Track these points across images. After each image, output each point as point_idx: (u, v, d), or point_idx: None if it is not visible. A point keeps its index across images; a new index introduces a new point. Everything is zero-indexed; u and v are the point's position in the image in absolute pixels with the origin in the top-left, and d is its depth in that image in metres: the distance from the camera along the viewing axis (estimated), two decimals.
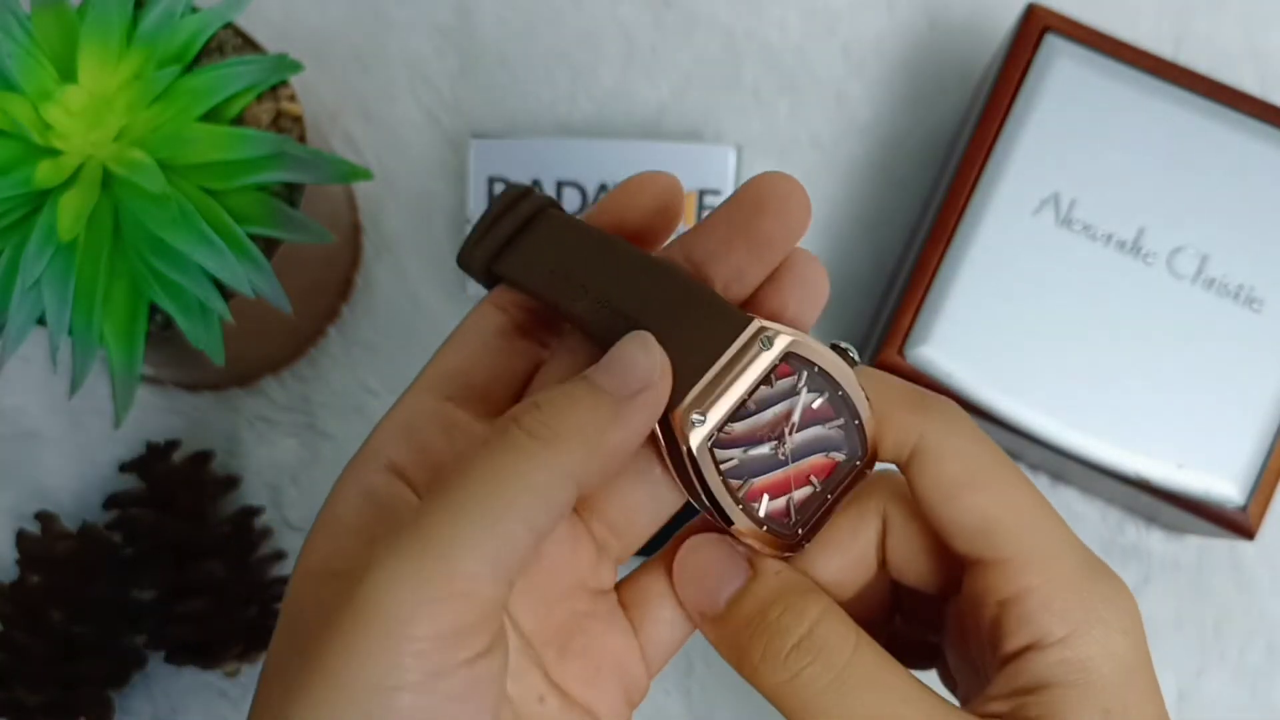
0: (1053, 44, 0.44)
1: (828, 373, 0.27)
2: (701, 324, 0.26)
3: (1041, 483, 0.49)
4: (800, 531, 0.27)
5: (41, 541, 0.46)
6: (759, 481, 0.27)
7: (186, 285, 0.38)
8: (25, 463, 0.50)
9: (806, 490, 0.27)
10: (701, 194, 0.49)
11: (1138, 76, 0.44)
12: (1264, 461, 0.43)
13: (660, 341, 0.25)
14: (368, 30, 0.51)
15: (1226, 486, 0.43)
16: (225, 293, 0.39)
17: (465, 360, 0.28)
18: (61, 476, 0.50)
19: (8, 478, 0.50)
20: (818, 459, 0.27)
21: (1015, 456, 0.49)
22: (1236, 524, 0.43)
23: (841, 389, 0.27)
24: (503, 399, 0.28)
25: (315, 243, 0.40)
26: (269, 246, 0.40)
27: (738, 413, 0.26)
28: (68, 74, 0.39)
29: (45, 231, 0.38)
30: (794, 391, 0.27)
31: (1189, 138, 0.44)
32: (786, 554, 0.28)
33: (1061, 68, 0.44)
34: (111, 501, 0.47)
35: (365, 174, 0.41)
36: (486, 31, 0.51)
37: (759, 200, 0.27)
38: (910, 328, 0.43)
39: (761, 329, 0.26)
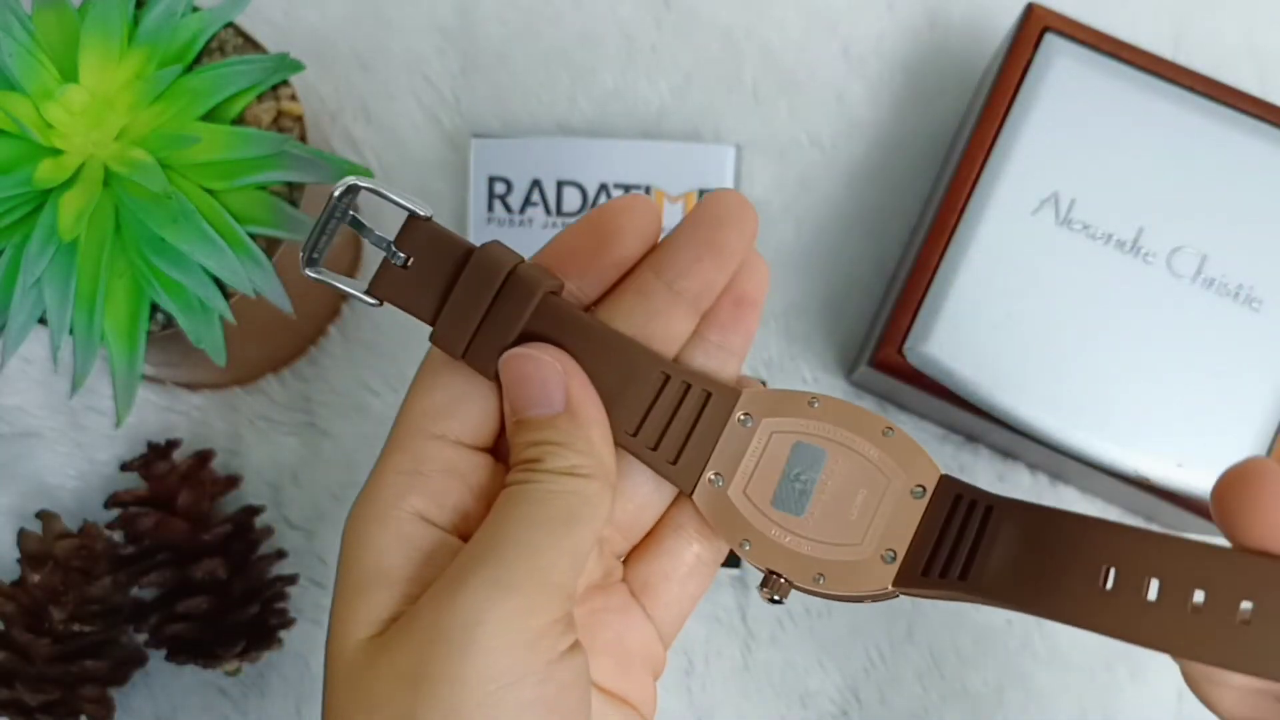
0: (1052, 44, 0.44)
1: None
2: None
3: (1041, 482, 0.49)
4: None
5: (42, 540, 0.46)
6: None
7: (187, 284, 0.38)
8: (26, 462, 0.50)
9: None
10: (702, 194, 0.49)
11: (1138, 76, 0.44)
12: None
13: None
14: (368, 30, 0.51)
15: None
16: (226, 292, 0.39)
17: (448, 397, 0.29)
18: (62, 476, 0.50)
19: (9, 477, 0.50)
20: None
21: (1015, 456, 0.49)
22: None
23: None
24: (493, 428, 0.29)
25: None
26: (270, 246, 0.40)
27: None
28: (69, 73, 0.39)
29: (46, 231, 0.38)
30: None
31: (1189, 137, 0.44)
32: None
33: (1061, 67, 0.44)
34: (112, 501, 0.47)
35: (366, 173, 0.41)
36: (487, 31, 0.52)
37: (718, 218, 0.29)
38: (910, 327, 0.44)
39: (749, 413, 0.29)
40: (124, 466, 0.48)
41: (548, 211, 0.49)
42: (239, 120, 0.41)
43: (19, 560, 0.46)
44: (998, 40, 0.49)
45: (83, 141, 0.38)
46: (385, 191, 0.28)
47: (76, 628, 0.45)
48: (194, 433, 0.50)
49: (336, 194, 0.28)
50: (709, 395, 0.29)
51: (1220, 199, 0.43)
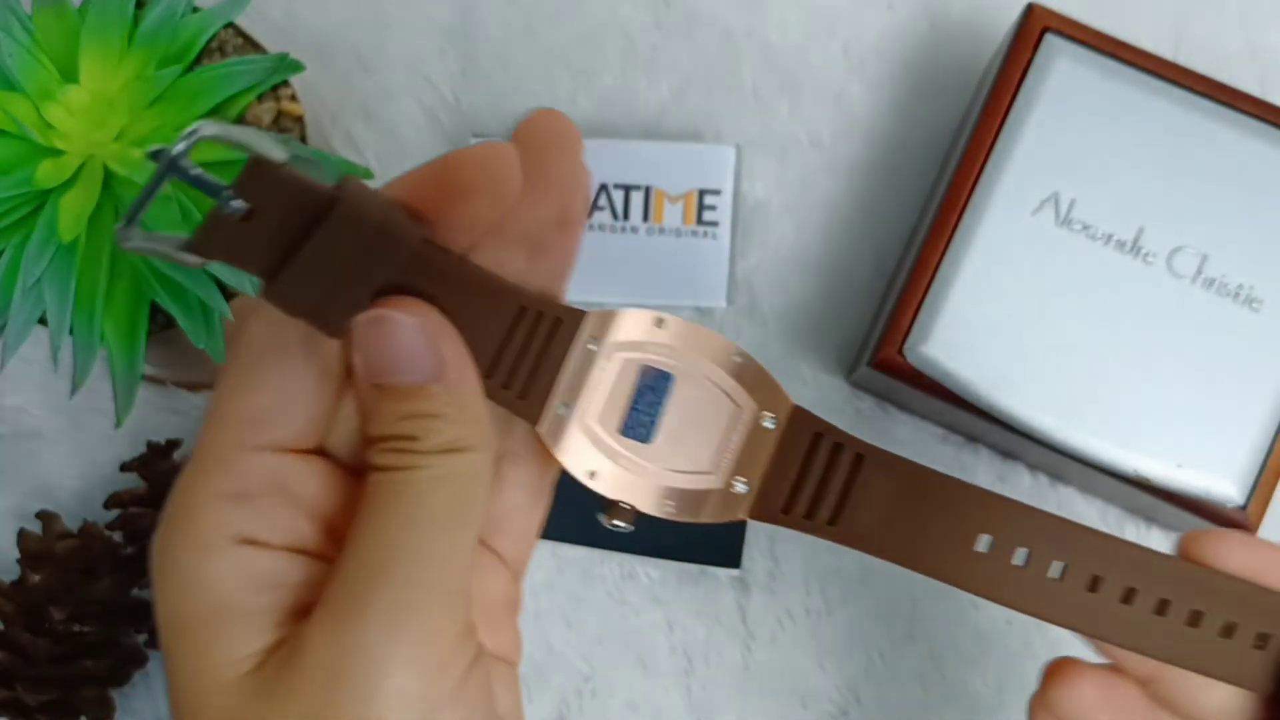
0: (1053, 44, 0.44)
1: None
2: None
3: (1041, 482, 0.49)
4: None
5: (42, 541, 0.46)
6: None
7: (188, 285, 0.38)
8: (26, 462, 0.50)
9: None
10: (701, 194, 0.49)
11: (1138, 76, 0.44)
12: (1264, 461, 0.43)
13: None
14: (368, 30, 0.51)
15: (1226, 486, 0.43)
16: (226, 292, 0.39)
17: (272, 398, 0.25)
18: (62, 476, 0.50)
19: (8, 477, 0.50)
20: None
21: (1015, 456, 0.49)
22: (1236, 523, 0.43)
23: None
24: (324, 421, 0.26)
25: None
26: None
27: None
28: (69, 74, 0.39)
29: (46, 231, 0.38)
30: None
31: (1189, 138, 0.44)
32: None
33: (1061, 68, 0.44)
34: (112, 501, 0.47)
35: (366, 173, 0.41)
36: (487, 31, 0.51)
37: (542, 150, 0.26)
38: (910, 327, 0.44)
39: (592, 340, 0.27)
40: (124, 466, 0.48)
41: None
42: (239, 120, 0.41)
43: (19, 560, 0.46)
44: (998, 40, 0.49)
45: (83, 142, 0.38)
46: (232, 134, 0.23)
47: (76, 628, 0.45)
48: (194, 433, 0.50)
49: (177, 149, 0.23)
50: (558, 322, 0.27)
51: (1220, 199, 0.43)
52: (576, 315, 0.27)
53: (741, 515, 0.27)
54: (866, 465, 0.27)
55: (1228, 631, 0.28)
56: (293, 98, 0.42)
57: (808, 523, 0.27)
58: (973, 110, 0.47)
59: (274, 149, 0.24)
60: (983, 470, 0.49)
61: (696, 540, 0.48)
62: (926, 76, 0.52)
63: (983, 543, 0.27)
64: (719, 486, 0.27)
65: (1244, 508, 0.43)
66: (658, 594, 0.49)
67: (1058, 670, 0.30)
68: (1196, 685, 0.29)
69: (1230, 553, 0.28)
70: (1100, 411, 0.43)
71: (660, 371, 0.27)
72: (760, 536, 0.49)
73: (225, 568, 0.24)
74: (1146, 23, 0.51)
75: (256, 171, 0.24)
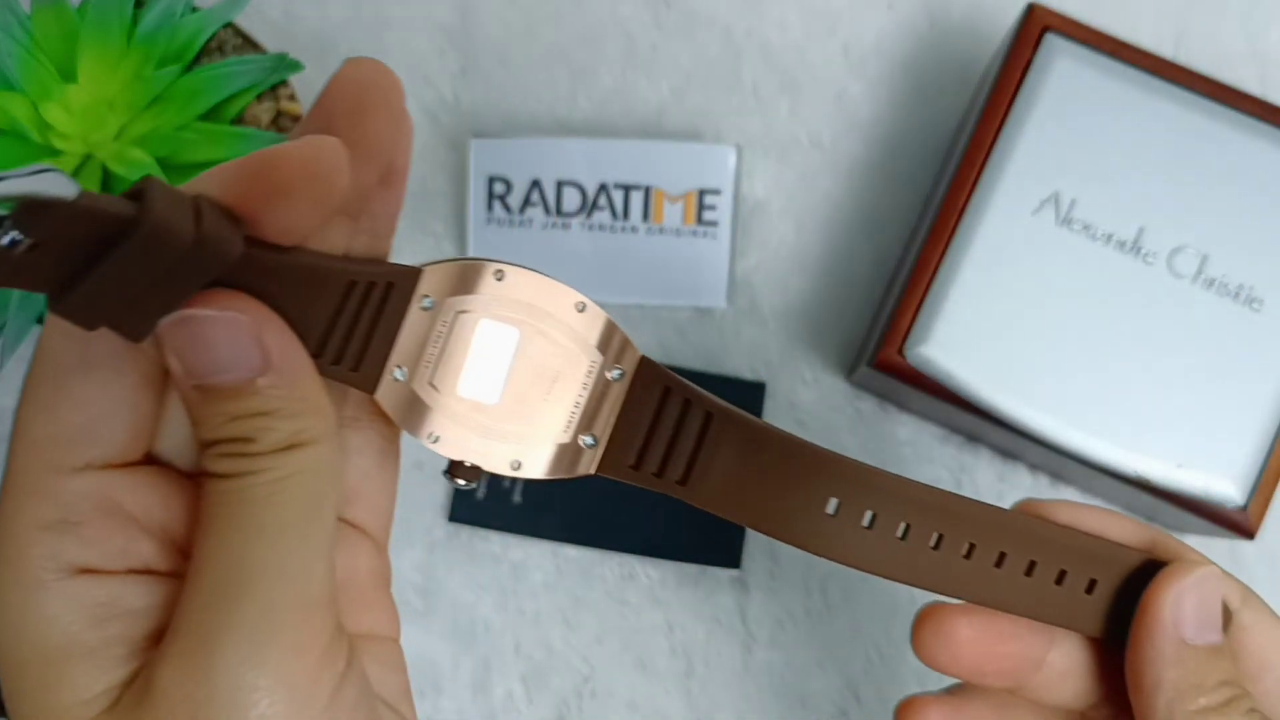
0: (1053, 43, 0.44)
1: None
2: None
3: (1041, 483, 0.49)
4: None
5: None
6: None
7: None
8: None
9: None
10: (702, 194, 0.49)
11: (1138, 76, 0.44)
12: (1264, 461, 0.43)
13: None
14: (368, 30, 0.51)
15: (1226, 486, 0.43)
16: None
17: (85, 415, 0.22)
18: None
19: None
20: None
21: (1015, 456, 0.49)
22: (1236, 524, 0.43)
23: None
24: (148, 430, 0.24)
25: None
26: None
27: None
28: (68, 73, 0.39)
29: None
30: None
31: (1189, 137, 0.44)
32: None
33: (1062, 67, 0.44)
34: None
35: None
36: (487, 31, 0.51)
37: (358, 107, 0.23)
38: (910, 328, 0.43)
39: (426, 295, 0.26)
40: None
41: (547, 211, 0.49)
42: (238, 120, 0.41)
43: None
44: (998, 40, 0.49)
45: (82, 142, 0.38)
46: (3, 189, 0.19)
47: None
48: None
49: None
50: (390, 286, 0.25)
51: (1221, 199, 0.43)
52: (410, 276, 0.25)
53: (589, 470, 0.27)
54: (715, 424, 0.27)
55: (1060, 579, 0.29)
56: (291, 97, 0.42)
57: (658, 480, 0.27)
58: (973, 110, 0.47)
59: (61, 187, 0.20)
60: (983, 470, 0.49)
61: (696, 540, 0.48)
62: (926, 76, 0.51)
63: (831, 505, 0.27)
64: (566, 442, 0.26)
65: (1244, 508, 0.43)
66: (658, 594, 0.49)
67: (905, 711, 0.31)
68: (1054, 679, 0.30)
69: (1058, 511, 0.29)
70: (1100, 411, 0.43)
71: (501, 325, 0.26)
72: (760, 536, 0.49)
73: (60, 603, 0.22)
74: (1147, 22, 0.51)
75: (34, 211, 0.20)
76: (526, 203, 0.49)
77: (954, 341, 0.43)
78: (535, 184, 0.49)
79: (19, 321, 0.38)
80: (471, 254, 0.49)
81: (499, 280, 0.26)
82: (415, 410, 0.26)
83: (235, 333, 0.22)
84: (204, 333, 0.21)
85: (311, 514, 0.22)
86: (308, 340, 0.24)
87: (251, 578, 0.21)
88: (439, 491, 0.49)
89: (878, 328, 0.46)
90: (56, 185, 0.20)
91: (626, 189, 0.49)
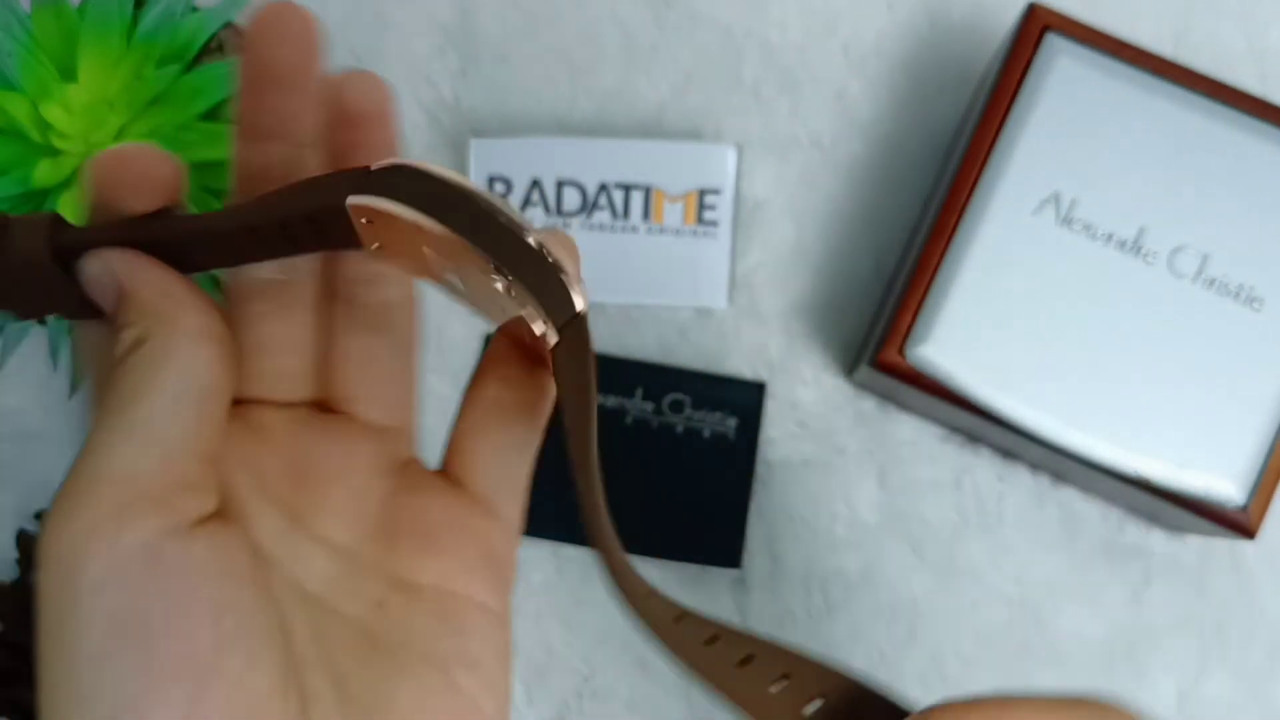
0: (1053, 43, 0.44)
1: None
2: None
3: (1042, 483, 0.49)
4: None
5: None
6: None
7: None
8: (26, 463, 0.50)
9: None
10: (702, 193, 0.49)
11: (1138, 76, 0.44)
12: (1264, 461, 0.43)
13: None
14: (368, 30, 0.51)
15: (1227, 486, 0.43)
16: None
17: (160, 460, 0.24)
18: (62, 476, 0.50)
19: (8, 478, 0.50)
20: None
21: (1015, 456, 0.49)
22: (1237, 524, 0.43)
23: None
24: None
25: None
26: None
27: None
28: (68, 73, 0.39)
29: None
30: None
31: (1190, 137, 0.44)
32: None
33: (1062, 67, 0.44)
34: None
35: None
36: (487, 31, 0.51)
37: (264, 40, 0.25)
38: (910, 328, 0.43)
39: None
40: None
41: (547, 211, 0.49)
42: None
43: (18, 561, 0.46)
44: (998, 40, 0.49)
45: (81, 141, 0.38)
46: None
47: None
48: None
49: None
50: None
51: (1221, 199, 0.43)
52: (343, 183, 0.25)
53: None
54: None
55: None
56: None
57: None
58: (973, 110, 0.47)
59: None
60: (983, 470, 0.49)
61: (696, 540, 0.48)
62: (926, 76, 0.51)
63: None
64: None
65: (1245, 508, 0.43)
66: None
67: None
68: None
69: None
70: (1101, 411, 0.43)
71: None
72: (760, 536, 0.49)
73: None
74: (1147, 22, 0.51)
75: None
76: (527, 202, 0.49)
77: (954, 341, 0.43)
78: (535, 184, 0.49)
79: (19, 322, 0.38)
80: None
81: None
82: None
83: (96, 280, 0.25)
84: (90, 282, 0.25)
85: (143, 390, 0.24)
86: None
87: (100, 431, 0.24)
88: None
89: (878, 328, 0.46)
90: None
91: (627, 189, 0.49)
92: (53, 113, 0.38)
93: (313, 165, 0.26)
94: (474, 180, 0.49)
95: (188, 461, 0.24)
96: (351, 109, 0.26)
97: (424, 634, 0.26)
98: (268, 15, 0.25)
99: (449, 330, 0.50)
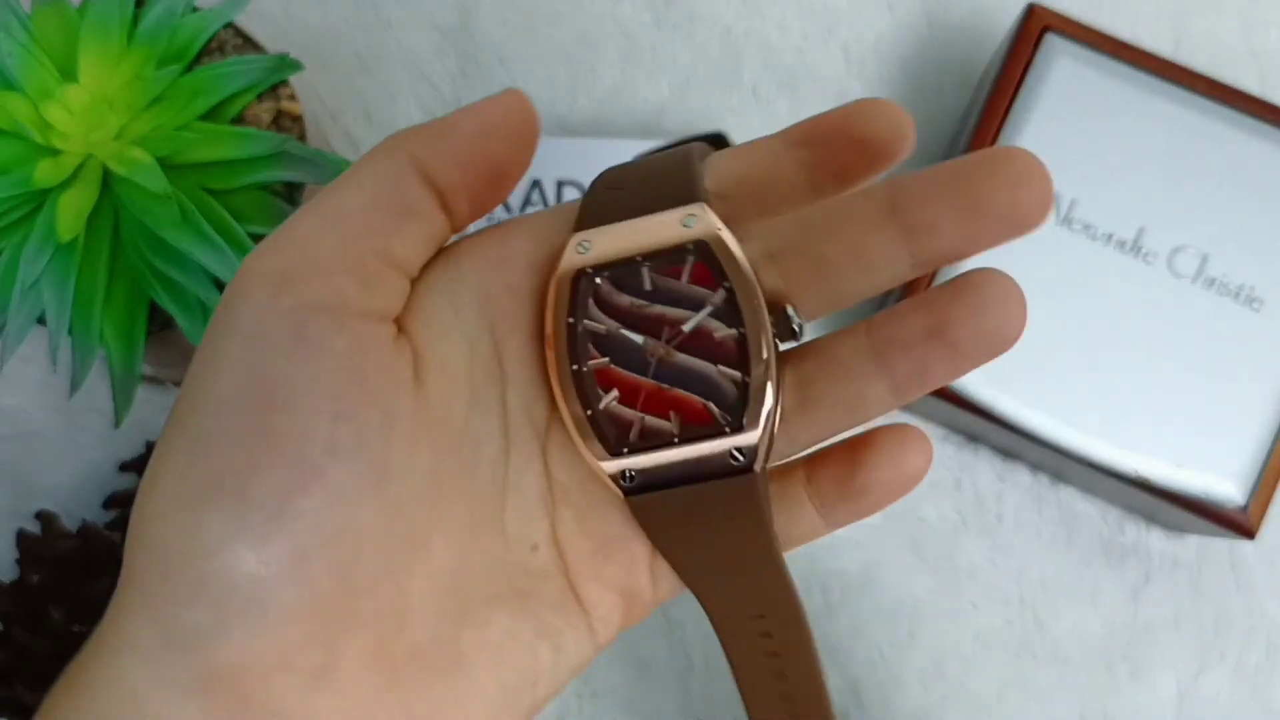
0: (1053, 43, 0.44)
1: (736, 303, 0.23)
2: (657, 184, 0.25)
3: (1042, 483, 0.49)
4: (625, 451, 0.23)
5: (42, 541, 0.46)
6: (618, 371, 0.23)
7: (187, 284, 0.38)
8: (25, 462, 0.50)
9: (660, 422, 0.23)
10: None
11: (1138, 76, 0.44)
12: (1264, 461, 0.43)
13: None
14: (368, 30, 0.51)
15: (1227, 486, 0.43)
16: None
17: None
18: (61, 476, 0.50)
19: (8, 477, 0.50)
20: (693, 398, 0.23)
21: (1015, 456, 0.49)
22: (1237, 523, 0.43)
23: (744, 331, 0.23)
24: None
25: None
26: None
27: (627, 278, 0.24)
28: (68, 73, 0.39)
29: (45, 231, 0.38)
30: (699, 304, 0.23)
31: (1189, 137, 0.44)
32: (600, 459, 0.24)
33: (1062, 67, 0.44)
34: (111, 501, 0.47)
35: None
36: (486, 31, 0.51)
37: (994, 167, 0.23)
38: None
39: (693, 213, 0.23)
40: (123, 466, 0.48)
41: None
42: (239, 120, 0.41)
43: (18, 560, 0.46)
44: (998, 40, 0.49)
45: (82, 141, 0.38)
46: None
47: (76, 628, 0.45)
48: None
49: None
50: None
51: (1221, 199, 0.43)
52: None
53: None
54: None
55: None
56: (292, 97, 0.42)
57: None
58: (973, 110, 0.47)
59: None
60: (983, 470, 0.49)
61: None
62: (926, 76, 0.51)
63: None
64: None
65: (1244, 508, 0.43)
66: None
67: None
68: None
69: None
70: (1100, 411, 0.43)
71: None
72: None
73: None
74: (1147, 22, 0.51)
75: None
76: (526, 203, 0.49)
77: None
78: (535, 184, 0.49)
79: (19, 321, 0.38)
80: None
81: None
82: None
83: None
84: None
85: (347, 180, 0.25)
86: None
87: None
88: None
89: None
90: None
91: None
92: (53, 113, 0.38)
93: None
94: None
95: (366, 253, 0.23)
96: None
97: (541, 573, 0.25)
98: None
99: None
